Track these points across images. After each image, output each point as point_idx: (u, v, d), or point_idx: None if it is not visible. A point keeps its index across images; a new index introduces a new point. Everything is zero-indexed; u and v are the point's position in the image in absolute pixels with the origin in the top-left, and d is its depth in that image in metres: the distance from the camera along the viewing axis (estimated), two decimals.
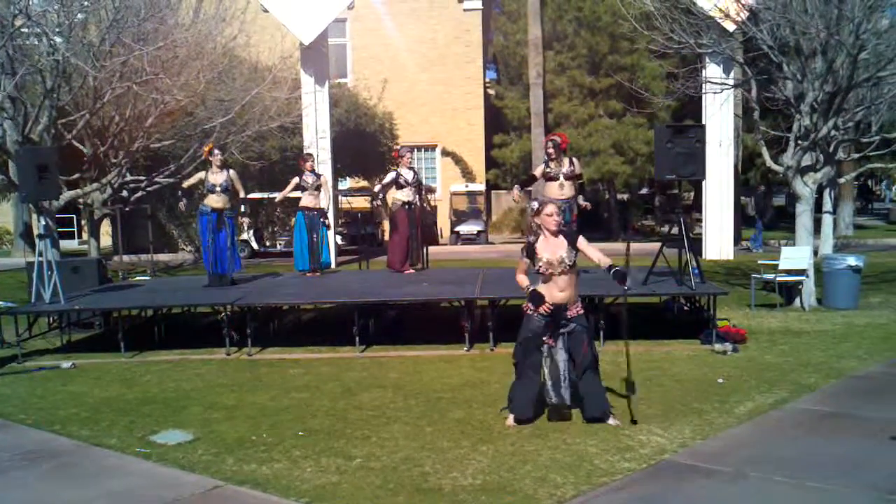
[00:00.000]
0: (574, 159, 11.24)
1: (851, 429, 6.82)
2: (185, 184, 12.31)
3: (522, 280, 6.97)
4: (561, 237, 6.81)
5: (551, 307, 6.81)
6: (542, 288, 6.88)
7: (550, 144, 11.01)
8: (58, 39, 13.86)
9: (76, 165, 16.71)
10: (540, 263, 6.78)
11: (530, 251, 6.85)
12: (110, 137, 16.47)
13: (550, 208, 6.85)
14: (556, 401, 6.98)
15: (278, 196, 13.87)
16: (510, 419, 7.06)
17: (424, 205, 15.06)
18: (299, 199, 13.40)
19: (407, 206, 13.08)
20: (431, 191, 16.10)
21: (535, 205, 6.95)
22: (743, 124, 23.77)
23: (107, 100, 14.97)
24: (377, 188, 14.44)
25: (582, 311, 7.05)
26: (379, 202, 17.27)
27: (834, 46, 11.57)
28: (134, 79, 14.91)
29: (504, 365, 9.17)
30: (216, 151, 11.92)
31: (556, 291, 6.82)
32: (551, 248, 6.78)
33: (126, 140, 16.70)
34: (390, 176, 13.23)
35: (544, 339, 6.91)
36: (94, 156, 16.53)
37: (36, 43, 14.94)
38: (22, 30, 13.96)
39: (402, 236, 13.09)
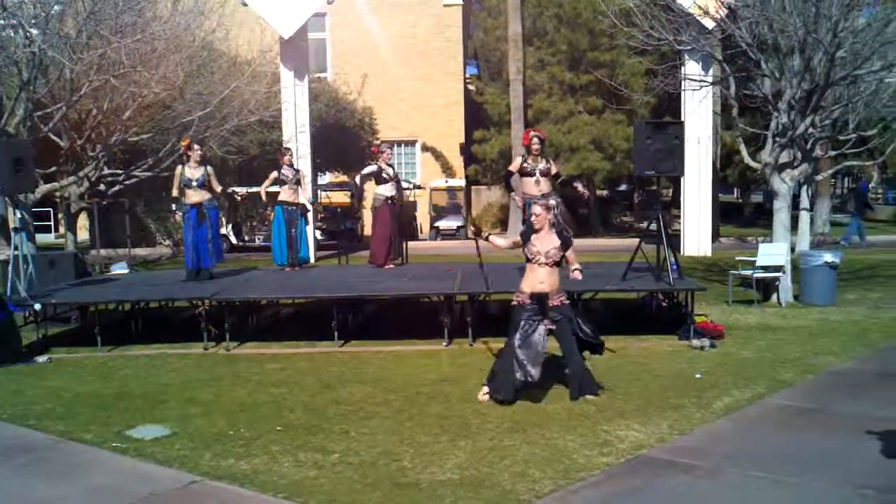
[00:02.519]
0: (550, 159, 11.23)
1: (827, 424, 6.88)
2: (174, 192, 11.90)
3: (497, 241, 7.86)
4: (554, 234, 7.47)
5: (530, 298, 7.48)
6: (524, 276, 7.59)
7: (536, 140, 10.94)
8: (34, 31, 13.72)
9: (53, 158, 16.58)
10: (529, 250, 7.49)
11: (525, 236, 7.62)
12: (87, 130, 16.34)
13: (536, 209, 7.57)
14: (527, 380, 7.35)
15: (260, 189, 13.72)
16: (484, 392, 7.58)
17: (404, 200, 15.09)
18: (277, 193, 13.36)
19: (390, 202, 13.07)
20: (419, 187, 15.96)
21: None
22: (721, 121, 23.92)
23: (84, 92, 14.85)
24: (358, 178, 14.32)
25: (566, 303, 7.66)
26: (357, 189, 17.19)
27: (812, 44, 11.64)
28: (111, 71, 14.80)
29: (484, 360, 9.20)
30: (195, 146, 11.83)
31: (536, 281, 7.47)
32: (542, 241, 7.47)
33: (103, 133, 16.57)
34: (371, 168, 13.17)
35: (540, 323, 7.46)
36: (70, 149, 16.39)
37: (12, 35, 14.78)
38: None
39: (385, 231, 13.06)
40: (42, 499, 5.59)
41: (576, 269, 7.50)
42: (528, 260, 7.54)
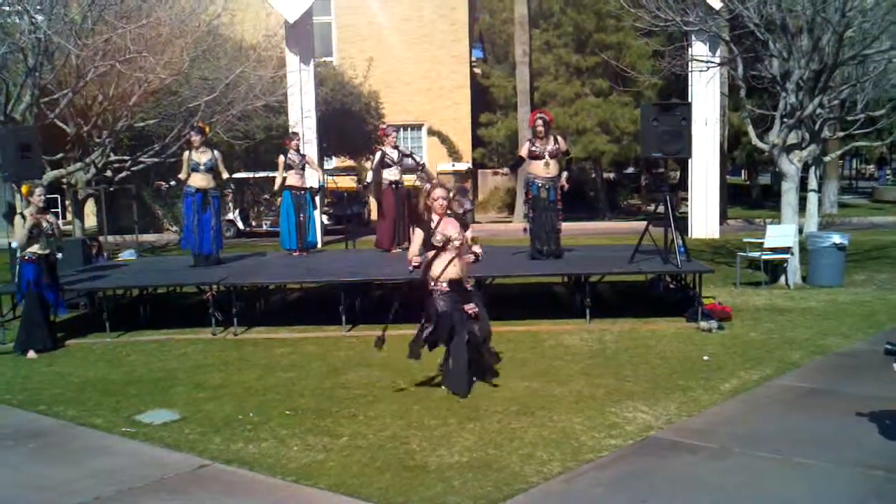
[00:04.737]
0: (559, 137, 11.23)
1: (835, 405, 6.87)
2: (182, 175, 11.78)
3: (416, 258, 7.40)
4: (452, 219, 7.39)
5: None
6: (435, 264, 7.38)
7: (540, 122, 10.95)
8: (39, 17, 13.69)
9: (59, 145, 16.57)
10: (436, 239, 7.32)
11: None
12: (94, 116, 16.32)
13: (438, 192, 7.41)
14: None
15: (277, 181, 13.61)
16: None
17: (426, 182, 14.99)
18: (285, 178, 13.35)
19: (394, 186, 13.06)
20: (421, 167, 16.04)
21: (428, 187, 7.59)
22: (729, 102, 23.78)
23: (90, 78, 14.82)
24: (370, 175, 14.11)
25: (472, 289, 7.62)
26: (365, 185, 17.02)
27: (820, 24, 11.57)
28: (117, 57, 14.75)
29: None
30: (193, 134, 11.79)
31: (449, 267, 7.36)
32: (444, 227, 7.35)
33: (110, 119, 16.55)
34: (377, 156, 13.17)
35: (464, 308, 7.38)
36: (77, 135, 16.38)
37: (17, 21, 14.74)
38: (3, 7, 13.77)
39: (390, 216, 13.07)
40: (52, 483, 5.62)
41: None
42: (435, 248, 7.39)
